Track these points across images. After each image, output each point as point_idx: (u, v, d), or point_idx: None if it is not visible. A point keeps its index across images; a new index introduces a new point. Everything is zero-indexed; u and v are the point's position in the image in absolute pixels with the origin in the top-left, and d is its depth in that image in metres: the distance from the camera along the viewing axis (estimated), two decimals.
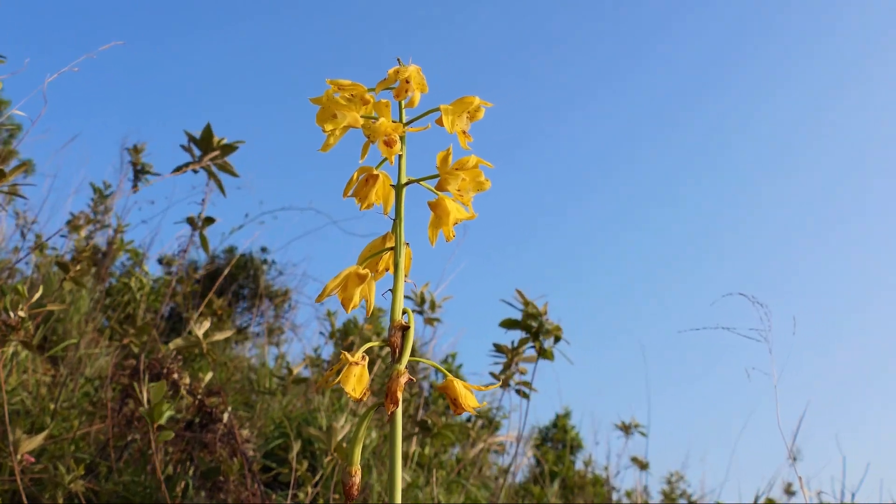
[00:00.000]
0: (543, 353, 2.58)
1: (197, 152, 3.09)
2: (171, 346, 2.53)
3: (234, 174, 3.04)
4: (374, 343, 1.06)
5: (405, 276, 1.13)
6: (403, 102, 1.16)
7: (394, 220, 1.12)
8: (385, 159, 1.12)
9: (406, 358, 1.03)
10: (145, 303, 3.46)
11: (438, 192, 1.11)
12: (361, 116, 1.17)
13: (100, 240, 4.03)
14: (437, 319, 3.31)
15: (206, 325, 2.58)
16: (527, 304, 2.79)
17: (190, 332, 2.73)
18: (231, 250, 4.44)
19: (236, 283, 4.45)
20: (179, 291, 3.50)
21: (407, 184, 1.13)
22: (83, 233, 3.91)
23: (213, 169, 3.01)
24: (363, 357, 1.02)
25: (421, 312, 3.28)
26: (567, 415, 5.87)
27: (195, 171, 3.07)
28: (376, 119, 1.08)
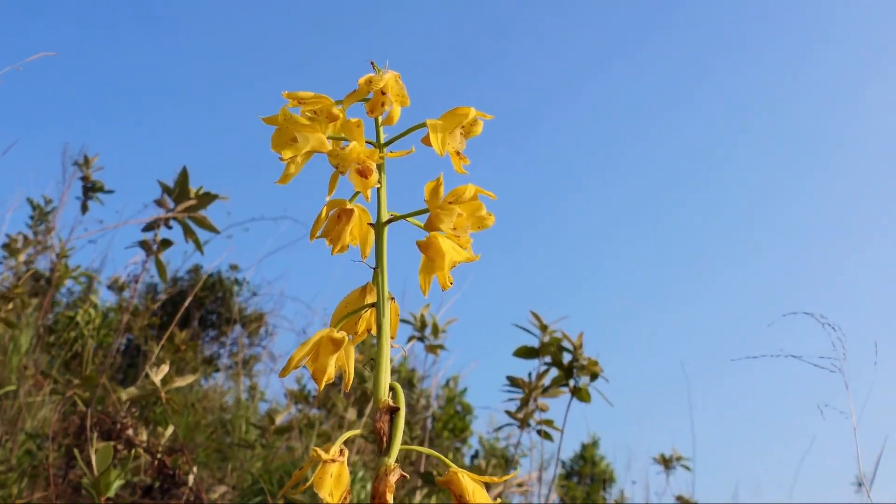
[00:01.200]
0: (578, 394, 2.49)
1: (171, 204, 3.01)
2: (124, 396, 2.45)
3: (213, 230, 2.94)
4: (356, 432, 0.97)
5: (391, 338, 1.04)
6: (380, 119, 1.07)
7: (374, 268, 1.03)
8: (359, 192, 1.03)
9: (396, 448, 0.94)
10: (95, 339, 3.38)
11: (429, 231, 1.02)
12: (329, 138, 1.09)
13: (42, 264, 3.96)
14: (441, 347, 3.22)
15: (165, 369, 2.49)
16: (544, 328, 2.70)
17: (146, 377, 2.65)
18: (196, 270, 4.37)
19: (203, 308, 4.38)
20: (135, 324, 3.42)
21: (389, 221, 1.05)
22: (21, 257, 3.83)
23: (189, 222, 2.92)
24: (341, 451, 0.93)
25: (422, 339, 3.20)
26: (595, 443, 5.78)
27: (168, 226, 2.99)
28: (347, 143, 0.99)
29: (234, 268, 4.46)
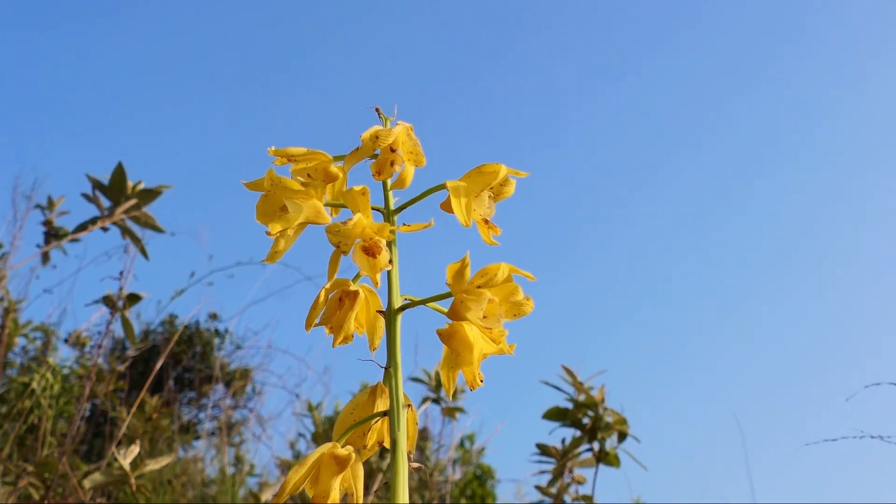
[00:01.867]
0: (605, 458, 2.38)
1: (106, 203, 2.91)
2: (88, 483, 2.33)
3: (158, 229, 2.86)
4: None
5: (409, 453, 0.93)
6: (389, 182, 0.97)
7: (386, 368, 0.92)
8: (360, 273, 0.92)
9: None
10: (55, 408, 3.26)
11: (454, 320, 0.92)
12: (327, 205, 0.98)
13: None
14: (460, 409, 3.10)
15: (135, 450, 2.38)
16: (578, 385, 2.58)
17: (114, 460, 2.53)
18: (171, 321, 4.26)
19: (179, 365, 4.26)
20: (100, 389, 3.31)
21: (404, 308, 0.94)
22: None
23: (129, 224, 2.83)
24: None
25: (437, 400, 3.08)
26: None
27: (104, 229, 2.89)
28: (348, 219, 0.88)
29: (214, 317, 4.36)
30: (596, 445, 2.36)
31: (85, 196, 2.94)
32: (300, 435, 3.81)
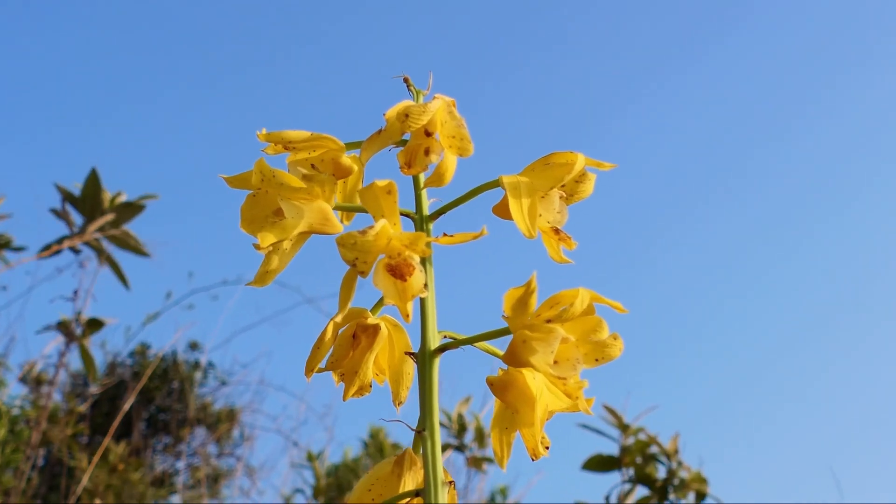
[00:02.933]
0: None
1: (78, 219, 2.80)
2: None
3: (141, 252, 2.75)
4: None
5: None
6: (422, 177, 0.84)
7: (418, 430, 0.80)
8: (382, 300, 0.80)
9: None
10: (0, 457, 3.17)
11: (513, 365, 0.80)
12: (337, 208, 0.86)
13: None
14: (488, 459, 2.98)
15: None
16: (624, 428, 2.48)
17: None
18: (143, 352, 4.16)
19: (153, 404, 4.17)
20: (55, 434, 3.21)
21: (443, 349, 0.82)
22: None
23: (105, 244, 2.72)
24: None
25: (460, 448, 2.96)
26: None
27: (75, 252, 2.79)
28: (367, 227, 0.76)
29: (194, 346, 4.26)
30: None
31: (54, 212, 2.83)
32: (297, 490, 3.70)
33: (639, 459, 2.46)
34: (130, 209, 2.83)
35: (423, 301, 0.81)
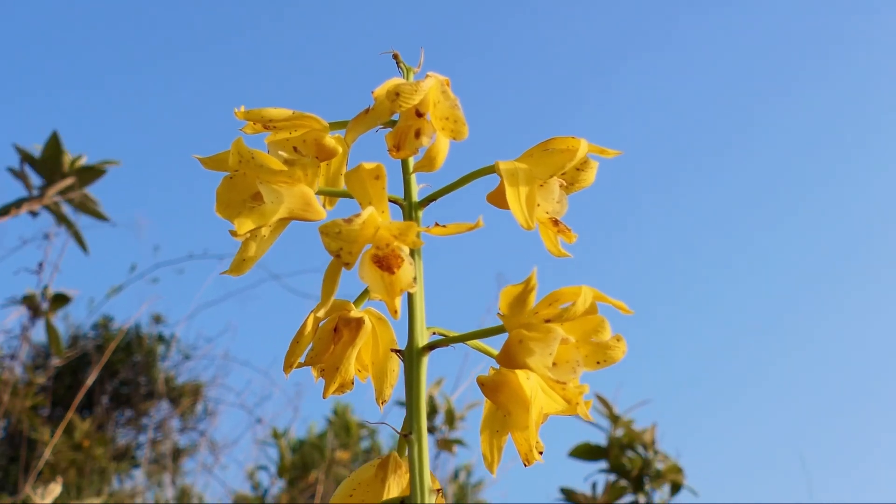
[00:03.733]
0: None
1: (37, 181, 2.73)
2: None
3: (100, 216, 2.69)
4: None
5: None
6: (411, 161, 0.79)
7: (404, 434, 0.74)
8: (366, 292, 0.75)
9: None
10: None
11: (508, 367, 0.75)
12: (320, 193, 0.80)
13: None
14: (459, 441, 2.94)
15: (56, 489, 2.22)
16: (614, 419, 2.44)
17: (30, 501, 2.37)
18: (106, 324, 4.07)
19: (115, 378, 4.08)
20: (16, 406, 3.13)
21: (432, 347, 0.77)
22: None
23: (66, 210, 2.65)
24: None
25: (432, 430, 2.92)
26: None
27: (33, 214, 2.71)
28: (353, 215, 0.70)
29: (158, 320, 4.17)
30: (642, 498, 2.20)
31: (12, 171, 2.76)
32: (261, 467, 3.64)
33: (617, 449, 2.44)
34: (90, 173, 2.76)
35: (410, 295, 0.76)
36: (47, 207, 2.75)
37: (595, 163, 0.78)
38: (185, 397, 4.13)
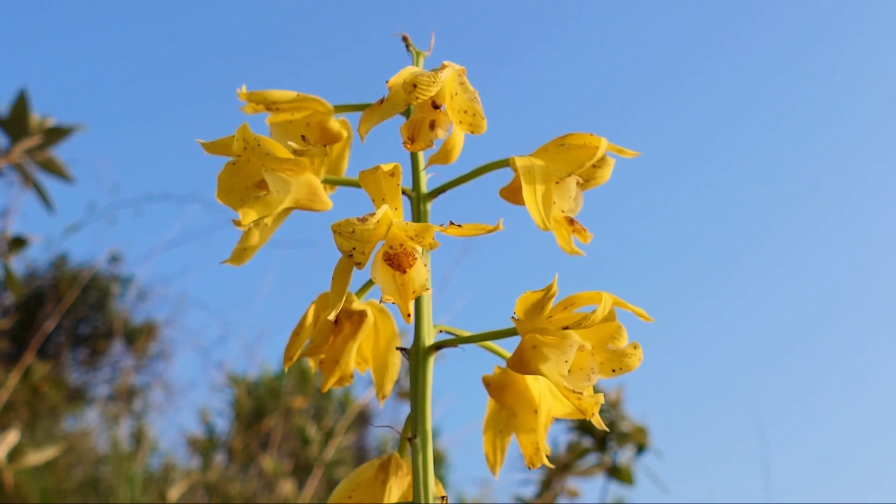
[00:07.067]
0: (616, 474, 2.24)
1: (4, 141, 2.68)
2: None
3: (64, 176, 2.63)
4: None
5: None
6: (421, 155, 0.75)
7: (410, 437, 0.72)
8: (370, 283, 0.72)
9: None
10: None
11: (520, 372, 0.72)
12: (326, 181, 0.76)
13: None
14: None
15: (13, 439, 2.18)
16: None
17: None
18: (61, 263, 3.97)
19: (71, 315, 4.00)
20: None
21: (440, 346, 0.73)
22: None
23: (31, 169, 2.60)
24: None
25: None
26: None
27: None
28: (367, 214, 0.66)
29: (115, 259, 4.08)
30: (606, 458, 2.21)
31: None
32: (216, 411, 3.61)
33: None
34: (57, 133, 2.72)
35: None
36: (12, 166, 2.71)
37: (612, 160, 0.75)
38: (140, 337, 4.06)
